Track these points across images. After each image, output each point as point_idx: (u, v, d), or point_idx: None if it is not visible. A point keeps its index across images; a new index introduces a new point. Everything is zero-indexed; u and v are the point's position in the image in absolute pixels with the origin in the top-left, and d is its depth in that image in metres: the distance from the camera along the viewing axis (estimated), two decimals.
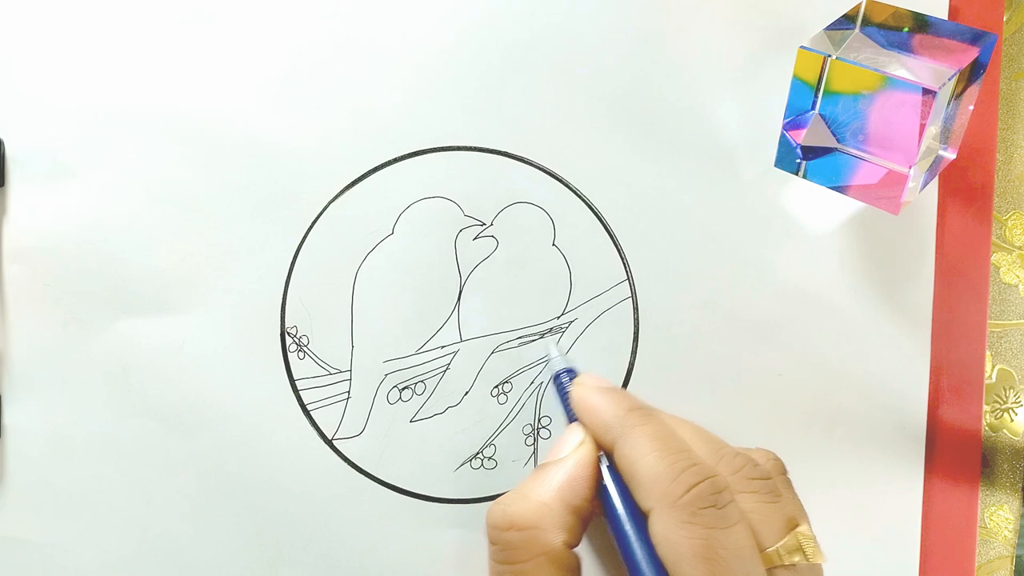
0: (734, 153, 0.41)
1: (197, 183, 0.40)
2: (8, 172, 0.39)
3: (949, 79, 0.35)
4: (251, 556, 0.40)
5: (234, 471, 0.40)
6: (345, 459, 0.40)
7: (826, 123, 0.37)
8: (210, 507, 0.40)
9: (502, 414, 0.40)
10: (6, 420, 0.39)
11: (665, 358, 0.41)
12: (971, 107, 0.39)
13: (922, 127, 0.35)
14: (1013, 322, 0.43)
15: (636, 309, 0.41)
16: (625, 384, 0.41)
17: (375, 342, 0.40)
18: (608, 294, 0.41)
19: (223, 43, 0.40)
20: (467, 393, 0.40)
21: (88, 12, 0.39)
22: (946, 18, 0.42)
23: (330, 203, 0.40)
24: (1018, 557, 0.43)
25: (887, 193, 0.37)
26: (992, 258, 0.43)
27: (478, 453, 0.40)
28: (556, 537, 0.31)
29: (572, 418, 0.35)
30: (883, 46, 0.37)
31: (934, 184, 0.42)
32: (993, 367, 0.43)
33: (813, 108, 0.37)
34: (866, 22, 0.38)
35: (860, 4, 0.38)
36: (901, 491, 0.42)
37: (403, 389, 0.40)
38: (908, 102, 0.35)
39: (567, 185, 0.41)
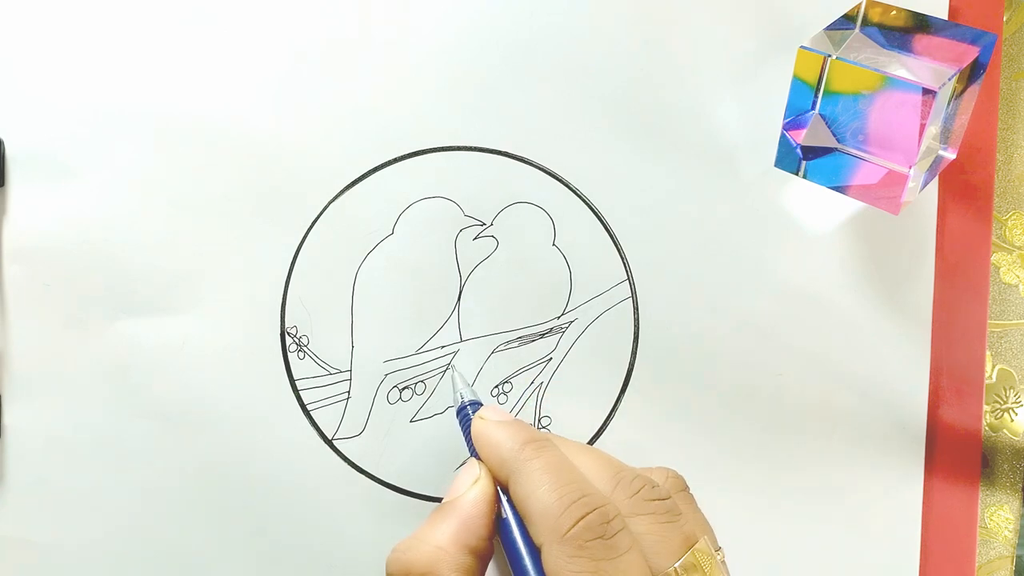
0: (734, 153, 0.41)
1: (197, 183, 0.40)
2: (8, 172, 0.39)
3: (949, 79, 0.35)
4: (251, 556, 0.40)
5: (234, 471, 0.40)
6: (345, 459, 0.40)
7: (826, 123, 0.37)
8: (209, 507, 0.40)
9: None
10: (6, 420, 0.39)
11: (665, 358, 0.41)
12: (971, 107, 0.39)
13: (922, 127, 0.35)
14: (1013, 322, 0.43)
15: (636, 309, 0.41)
16: (625, 384, 0.41)
17: (375, 342, 0.40)
18: (608, 294, 0.41)
19: (223, 43, 0.40)
20: None
21: (88, 12, 0.39)
22: (946, 18, 0.42)
23: (330, 203, 0.40)
24: (1018, 557, 0.43)
25: (887, 193, 0.37)
26: (992, 258, 0.43)
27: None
28: None
29: (473, 452, 0.34)
30: (883, 46, 0.37)
31: (934, 184, 0.42)
32: (993, 367, 0.43)
33: (813, 108, 0.37)
34: (866, 22, 0.38)
35: (860, 4, 0.38)
36: (901, 491, 0.42)
37: (403, 389, 0.40)
38: (908, 102, 0.35)
39: (567, 185, 0.41)
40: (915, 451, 0.42)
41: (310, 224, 0.40)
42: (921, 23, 0.37)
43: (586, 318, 0.41)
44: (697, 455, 0.41)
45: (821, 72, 0.36)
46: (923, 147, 0.36)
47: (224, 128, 0.40)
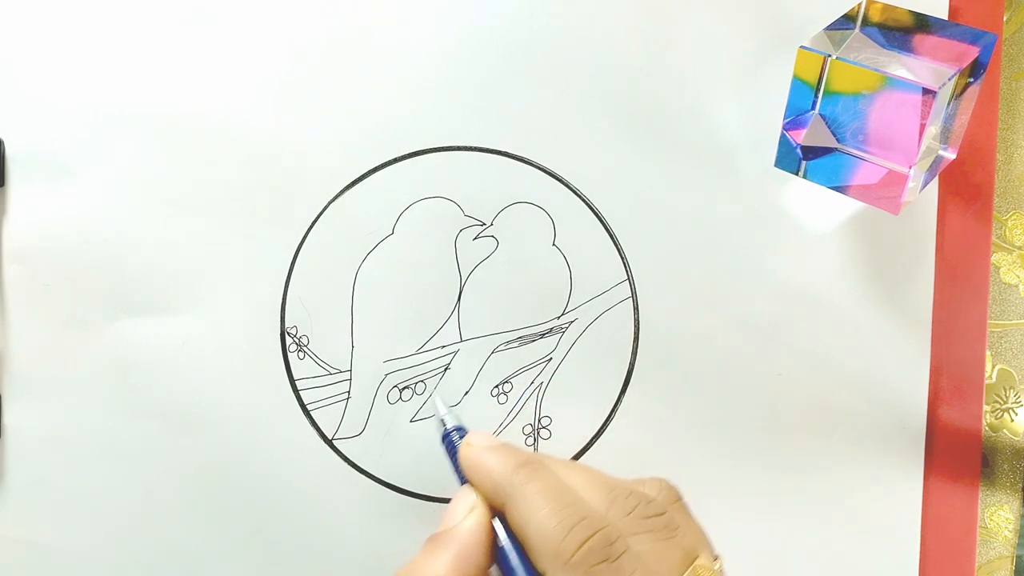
0: (734, 153, 0.41)
1: (197, 183, 0.40)
2: (8, 172, 0.39)
3: (949, 79, 0.35)
4: (251, 556, 0.40)
5: (234, 471, 0.40)
6: (345, 459, 0.40)
7: (826, 123, 0.37)
8: (209, 506, 0.40)
9: (502, 414, 0.40)
10: (6, 420, 0.39)
11: (665, 358, 0.41)
12: (971, 107, 0.39)
13: (922, 127, 0.35)
14: (1013, 322, 0.43)
15: (636, 309, 0.41)
16: (625, 384, 0.41)
17: (375, 342, 0.40)
18: (608, 294, 0.41)
19: (223, 43, 0.40)
20: (467, 393, 0.40)
21: (88, 12, 0.39)
22: (946, 18, 0.42)
23: (330, 203, 0.40)
24: (1018, 557, 0.43)
25: (887, 193, 0.37)
26: (992, 258, 0.43)
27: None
28: None
29: (463, 480, 0.33)
30: (883, 46, 0.37)
31: (934, 184, 0.42)
32: (993, 367, 0.43)
33: (813, 108, 0.37)
34: (866, 22, 0.38)
35: (860, 4, 0.38)
36: (901, 491, 0.42)
37: (403, 389, 0.40)
38: (908, 102, 0.35)
39: (567, 185, 0.41)
40: (915, 451, 0.42)
41: (310, 224, 0.40)
42: (921, 23, 0.37)
43: (586, 318, 0.41)
44: (697, 455, 0.41)
45: (821, 72, 0.36)
46: (923, 147, 0.36)
47: (224, 128, 0.40)
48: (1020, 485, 0.43)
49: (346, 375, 0.40)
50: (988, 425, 0.43)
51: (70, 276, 0.39)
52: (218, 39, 0.40)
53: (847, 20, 0.38)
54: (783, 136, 0.39)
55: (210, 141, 0.40)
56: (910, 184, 0.37)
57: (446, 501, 0.40)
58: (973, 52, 0.36)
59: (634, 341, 0.41)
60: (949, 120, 0.38)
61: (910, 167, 0.36)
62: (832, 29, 0.38)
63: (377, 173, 0.40)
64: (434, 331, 0.40)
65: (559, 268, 0.41)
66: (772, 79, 0.41)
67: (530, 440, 0.40)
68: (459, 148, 0.41)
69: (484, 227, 0.40)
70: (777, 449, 0.41)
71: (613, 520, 0.30)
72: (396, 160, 0.40)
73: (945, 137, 0.38)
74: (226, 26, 0.40)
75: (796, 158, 0.39)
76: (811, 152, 0.39)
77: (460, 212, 0.40)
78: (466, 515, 0.31)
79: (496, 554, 0.31)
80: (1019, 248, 0.43)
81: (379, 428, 0.40)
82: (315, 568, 0.40)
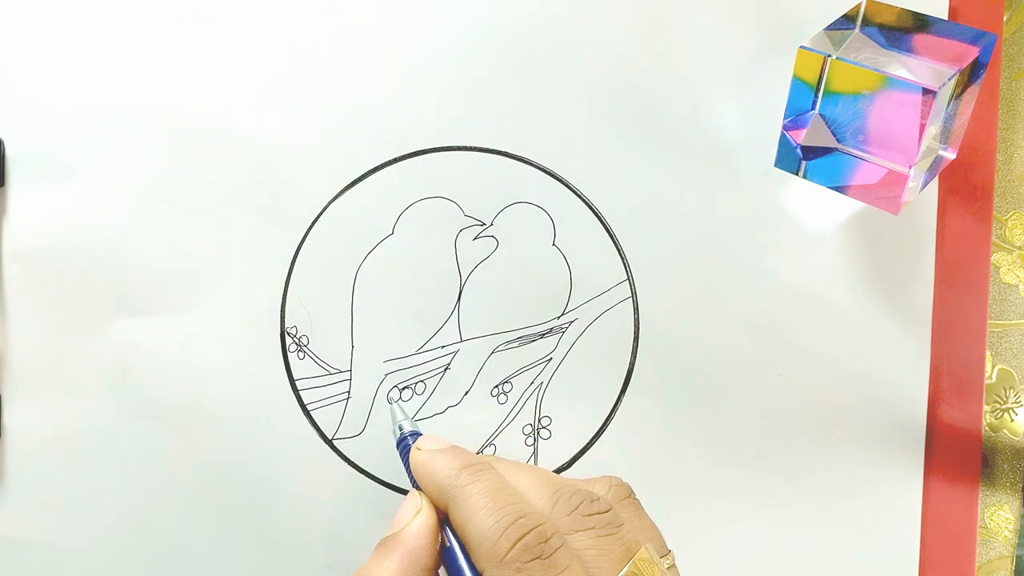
0: (734, 153, 0.41)
1: (197, 183, 0.40)
2: (8, 172, 0.39)
3: (949, 79, 0.35)
4: (251, 555, 0.40)
5: (234, 471, 0.40)
6: (345, 459, 0.40)
7: (826, 123, 0.37)
8: (210, 507, 0.40)
9: (502, 414, 0.40)
10: (6, 420, 0.39)
11: (665, 358, 0.41)
12: (971, 107, 0.39)
13: (922, 127, 0.35)
14: (1013, 322, 0.43)
15: (636, 309, 0.41)
16: (625, 384, 0.41)
17: (375, 342, 0.40)
18: (608, 294, 0.41)
19: (223, 43, 0.40)
20: (467, 393, 0.40)
21: (88, 12, 0.39)
22: (946, 18, 0.42)
23: (330, 203, 0.40)
24: (1018, 557, 0.43)
25: (887, 193, 0.37)
26: (992, 258, 0.43)
27: (478, 453, 0.40)
28: None
29: (415, 484, 0.34)
30: (883, 46, 0.37)
31: (934, 184, 0.42)
32: (993, 367, 0.43)
33: (813, 108, 0.37)
34: (866, 22, 0.38)
35: (860, 4, 0.38)
36: (901, 491, 0.42)
37: (403, 389, 0.40)
38: (908, 102, 0.35)
39: (567, 185, 0.41)
40: (915, 451, 0.42)
41: (310, 224, 0.40)
42: (921, 23, 0.37)
43: (586, 318, 0.41)
44: (697, 454, 0.41)
45: (821, 72, 0.36)
46: (923, 147, 0.36)
47: (224, 128, 0.40)
48: (1020, 485, 0.43)
49: (346, 375, 0.40)
50: (988, 425, 0.43)
51: (70, 276, 0.39)
52: (218, 39, 0.40)
53: (847, 20, 0.38)
54: (783, 136, 0.39)
55: (210, 141, 0.40)
56: (910, 184, 0.37)
57: None
58: (973, 52, 0.36)
59: (634, 341, 0.41)
60: (949, 120, 0.38)
61: (910, 167, 0.36)
62: (832, 29, 0.38)
63: (377, 173, 0.40)
64: (434, 331, 0.40)
65: (559, 268, 0.41)
66: (772, 79, 0.41)
67: (530, 440, 0.40)
68: (459, 148, 0.41)
69: (484, 227, 0.40)
70: (777, 449, 0.41)
71: (556, 518, 0.30)
72: (396, 160, 0.40)
73: (945, 137, 0.38)
74: (226, 26, 0.40)
75: (796, 158, 0.39)
76: (811, 152, 0.39)
77: (460, 212, 0.40)
78: (413, 518, 0.32)
79: (443, 555, 0.31)
80: (1019, 248, 0.43)
81: (379, 428, 0.40)
82: (315, 568, 0.40)
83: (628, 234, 0.41)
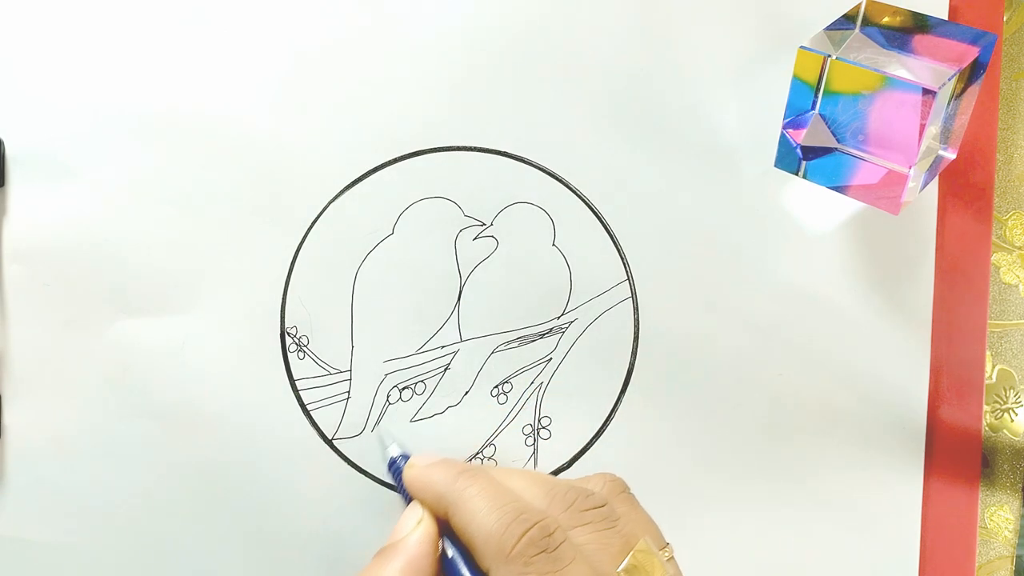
0: (734, 153, 0.41)
1: (197, 183, 0.40)
2: (8, 172, 0.39)
3: (949, 79, 0.35)
4: (251, 555, 0.40)
5: (234, 471, 0.40)
6: (345, 459, 0.40)
7: (826, 123, 0.37)
8: (210, 507, 0.40)
9: (502, 414, 0.40)
10: (6, 420, 0.39)
11: (665, 358, 0.41)
12: (971, 107, 0.39)
13: (922, 127, 0.35)
14: (1013, 322, 0.43)
15: (636, 309, 0.41)
16: (625, 384, 0.41)
17: (375, 342, 0.40)
18: (608, 294, 0.41)
19: (223, 43, 0.40)
20: (467, 393, 0.40)
21: (88, 12, 0.39)
22: (946, 18, 0.42)
23: (330, 203, 0.40)
24: (1018, 557, 0.43)
25: (887, 193, 0.37)
26: (992, 258, 0.43)
27: (478, 453, 0.40)
28: None
29: (409, 499, 0.34)
30: (883, 46, 0.37)
31: (934, 184, 0.42)
32: (993, 367, 0.43)
33: (813, 108, 0.37)
34: (866, 22, 0.38)
35: (860, 4, 0.38)
36: (901, 491, 0.42)
37: (403, 389, 0.40)
38: (908, 102, 0.35)
39: (567, 185, 0.41)
40: (915, 451, 0.42)
41: (310, 224, 0.40)
42: (921, 23, 0.37)
43: (586, 318, 0.41)
44: (697, 455, 0.41)
45: (821, 72, 0.36)
46: (923, 147, 0.36)
47: (224, 128, 0.40)
48: (1020, 485, 0.43)
49: (346, 375, 0.40)
50: (988, 425, 0.43)
51: (70, 276, 0.39)
52: (218, 39, 0.40)
53: (847, 20, 0.38)
54: (783, 136, 0.39)
55: (210, 141, 0.40)
56: (910, 184, 0.37)
57: None
58: (973, 52, 0.36)
59: (634, 341, 0.41)
60: (949, 120, 0.38)
61: (910, 167, 0.36)
62: (832, 29, 0.38)
63: (377, 173, 0.40)
64: (434, 331, 0.40)
65: (559, 268, 0.41)
66: (772, 79, 0.41)
67: (530, 440, 0.40)
68: (459, 148, 0.41)
69: (484, 227, 0.40)
70: (777, 449, 0.41)
71: (553, 515, 0.30)
72: (396, 160, 0.40)
73: (945, 137, 0.38)
74: (226, 26, 0.40)
75: (796, 158, 0.39)
76: (811, 152, 0.39)
77: (460, 212, 0.40)
78: (413, 528, 0.32)
79: (443, 564, 0.32)
80: (1019, 248, 0.43)
81: (379, 428, 0.40)
82: (315, 568, 0.40)
83: (628, 234, 0.41)
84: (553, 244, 0.41)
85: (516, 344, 0.40)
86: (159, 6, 0.40)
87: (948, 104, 0.36)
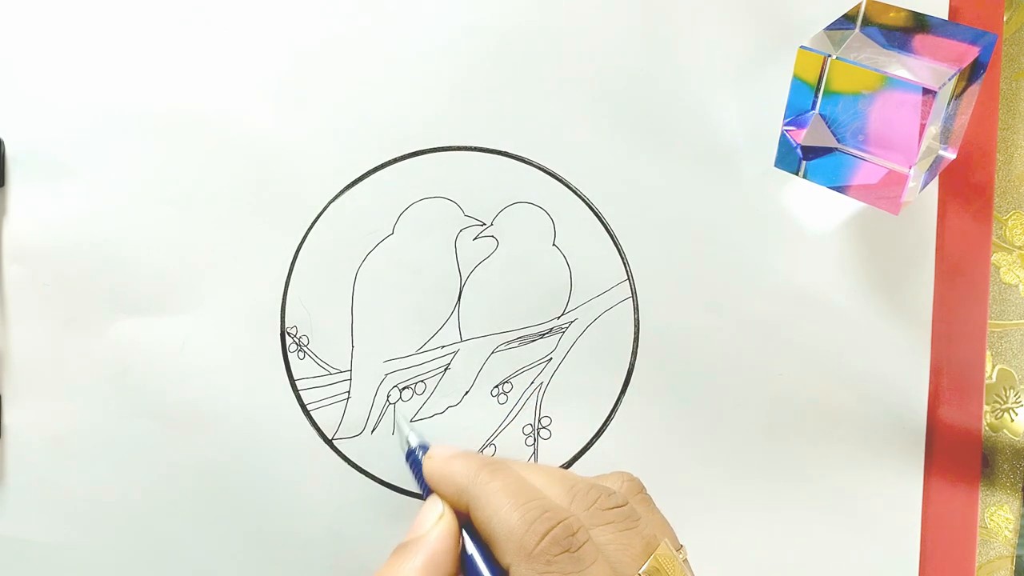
0: (734, 153, 0.41)
1: (197, 183, 0.40)
2: (8, 172, 0.39)
3: (949, 79, 0.35)
4: (250, 555, 0.40)
5: (234, 471, 0.40)
6: (345, 459, 0.40)
7: (826, 123, 0.37)
8: (210, 507, 0.40)
9: (502, 414, 0.40)
10: (6, 420, 0.39)
11: (665, 358, 0.41)
12: (971, 107, 0.39)
13: (922, 127, 0.35)
14: (1013, 322, 0.43)
15: (636, 309, 0.41)
16: (625, 384, 0.41)
17: (375, 342, 0.40)
18: (608, 294, 0.41)
19: (223, 43, 0.40)
20: (467, 393, 0.40)
21: (88, 12, 0.39)
22: (946, 18, 0.42)
23: (330, 203, 0.40)
24: (1018, 557, 0.43)
25: (887, 193, 0.37)
26: (992, 258, 0.43)
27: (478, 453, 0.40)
28: None
29: (427, 493, 0.34)
30: (883, 46, 0.37)
31: (934, 184, 0.42)
32: (993, 367, 0.43)
33: (813, 108, 0.37)
34: (866, 22, 0.38)
35: (860, 4, 0.38)
36: (901, 491, 0.42)
37: (403, 389, 0.40)
38: (908, 102, 0.35)
39: (567, 185, 0.41)
40: (915, 451, 0.42)
41: (310, 224, 0.40)
42: (921, 23, 0.37)
43: (586, 318, 0.41)
44: (697, 454, 0.41)
45: (821, 72, 0.36)
46: (923, 147, 0.36)
47: (224, 128, 0.40)
48: (1020, 485, 0.43)
49: (346, 375, 0.40)
50: (988, 425, 0.43)
51: (70, 276, 0.39)
52: (218, 39, 0.40)
53: (847, 20, 0.38)
54: (783, 136, 0.39)
55: (210, 141, 0.40)
56: (910, 184, 0.37)
57: None
58: (973, 52, 0.36)
59: (634, 341, 0.41)
60: (949, 120, 0.38)
61: (910, 167, 0.36)
62: (832, 29, 0.38)
63: (377, 173, 0.40)
64: (434, 331, 0.40)
65: (559, 268, 0.41)
66: (772, 79, 0.41)
67: (530, 440, 0.40)
68: (459, 148, 0.41)
69: (484, 227, 0.41)
70: (777, 449, 0.41)
71: (576, 514, 0.30)
72: (396, 160, 0.40)
73: (945, 137, 0.38)
74: (226, 26, 0.40)
75: (796, 158, 0.39)
76: (811, 152, 0.39)
77: (460, 212, 0.40)
78: (435, 524, 0.32)
79: (463, 560, 0.31)
80: (1019, 248, 0.43)
81: (379, 428, 0.40)
82: (315, 568, 0.40)
83: (628, 234, 0.41)
84: (553, 244, 0.41)
85: (516, 344, 0.40)
86: (159, 6, 0.40)
87: (948, 104, 0.36)
